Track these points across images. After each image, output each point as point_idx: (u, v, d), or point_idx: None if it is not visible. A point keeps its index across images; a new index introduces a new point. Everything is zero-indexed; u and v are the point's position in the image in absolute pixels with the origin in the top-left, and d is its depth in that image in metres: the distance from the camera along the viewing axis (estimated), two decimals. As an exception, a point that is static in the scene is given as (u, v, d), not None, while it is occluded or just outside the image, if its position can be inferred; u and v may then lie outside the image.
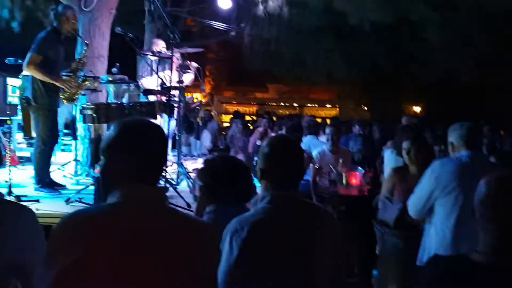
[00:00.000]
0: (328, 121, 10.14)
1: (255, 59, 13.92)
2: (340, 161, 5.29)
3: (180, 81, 5.57)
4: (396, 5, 10.43)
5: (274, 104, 20.87)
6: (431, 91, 17.20)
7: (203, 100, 8.76)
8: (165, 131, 5.18)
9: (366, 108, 20.85)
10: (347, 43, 12.92)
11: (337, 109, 20.37)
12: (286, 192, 1.96)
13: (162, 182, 4.38)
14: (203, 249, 1.48)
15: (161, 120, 5.81)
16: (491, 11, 9.96)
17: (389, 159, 4.39)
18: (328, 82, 16.70)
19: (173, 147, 6.62)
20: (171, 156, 6.12)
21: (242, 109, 19.18)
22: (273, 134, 6.59)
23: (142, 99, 5.70)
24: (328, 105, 20.84)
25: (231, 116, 12.20)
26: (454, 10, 10.64)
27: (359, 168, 5.61)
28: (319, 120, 10.51)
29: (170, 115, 5.58)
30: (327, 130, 5.69)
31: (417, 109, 20.99)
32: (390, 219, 3.69)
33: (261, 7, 11.56)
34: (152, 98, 5.62)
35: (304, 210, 1.99)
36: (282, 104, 21.00)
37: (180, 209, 3.75)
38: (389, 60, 13.12)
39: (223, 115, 19.05)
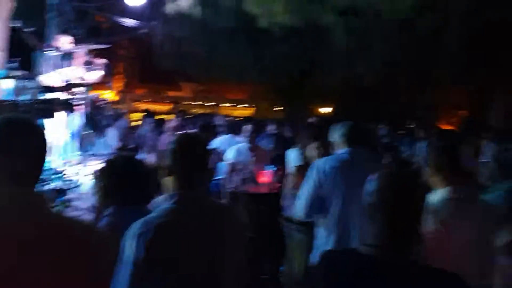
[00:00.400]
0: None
1: (166, 57, 13.65)
2: (254, 159, 5.34)
3: (84, 78, 5.35)
4: (304, 10, 10.74)
5: (188, 103, 20.70)
6: (339, 94, 17.93)
7: (115, 98, 8.48)
8: (69, 129, 5.03)
9: (279, 109, 21.29)
10: (258, 45, 13.07)
11: (252, 109, 20.63)
12: (193, 191, 1.96)
13: (62, 183, 4.18)
14: (84, 253, 1.40)
15: (66, 118, 5.54)
16: (390, 17, 10.59)
17: (292, 158, 4.53)
18: (241, 82, 16.81)
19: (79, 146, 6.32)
20: (76, 155, 5.85)
21: (155, 107, 18.81)
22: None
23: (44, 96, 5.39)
24: (242, 105, 21.05)
25: (142, 114, 11.89)
26: (357, 17, 11.17)
27: (271, 166, 5.72)
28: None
29: (71, 113, 5.34)
30: (246, 128, 5.73)
31: (328, 110, 21.79)
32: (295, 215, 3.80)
33: (172, 5, 11.40)
34: (53, 95, 5.33)
35: (210, 210, 2.00)
36: (196, 103, 20.90)
37: (83, 212, 3.60)
38: (298, 63, 13.44)
39: (135, 113, 18.53)
